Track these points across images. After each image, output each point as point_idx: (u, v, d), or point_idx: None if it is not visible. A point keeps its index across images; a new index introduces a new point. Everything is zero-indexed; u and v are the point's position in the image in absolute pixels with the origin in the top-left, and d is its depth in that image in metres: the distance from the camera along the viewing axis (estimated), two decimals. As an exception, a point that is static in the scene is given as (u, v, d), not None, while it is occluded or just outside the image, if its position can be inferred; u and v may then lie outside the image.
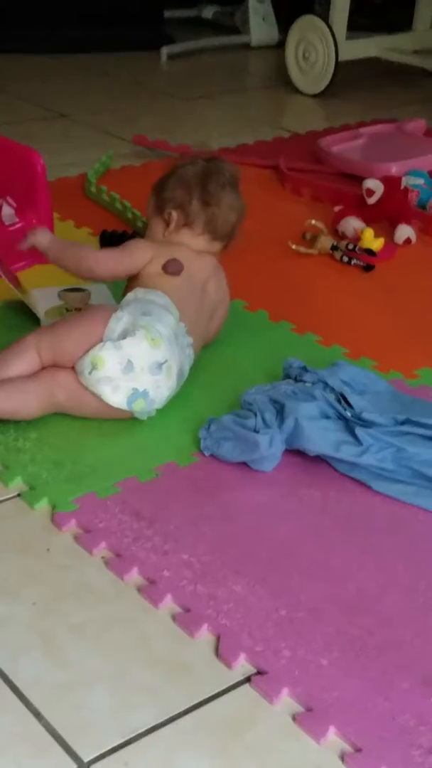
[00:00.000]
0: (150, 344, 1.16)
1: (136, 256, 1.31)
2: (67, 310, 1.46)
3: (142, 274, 1.30)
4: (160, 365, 1.17)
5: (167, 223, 1.34)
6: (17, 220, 1.62)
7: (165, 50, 3.14)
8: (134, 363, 1.15)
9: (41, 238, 1.36)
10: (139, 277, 1.30)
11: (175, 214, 1.33)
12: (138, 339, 1.16)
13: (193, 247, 1.33)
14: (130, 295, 1.26)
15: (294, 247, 1.70)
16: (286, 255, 1.70)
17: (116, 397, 1.16)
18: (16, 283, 1.46)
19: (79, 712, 0.81)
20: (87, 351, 1.16)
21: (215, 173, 1.35)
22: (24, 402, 1.17)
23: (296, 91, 2.83)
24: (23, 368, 1.19)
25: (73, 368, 1.18)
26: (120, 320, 1.19)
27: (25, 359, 1.19)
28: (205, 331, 1.32)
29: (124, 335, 1.17)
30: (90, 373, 1.15)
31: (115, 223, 1.82)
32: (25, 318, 1.43)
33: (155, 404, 1.19)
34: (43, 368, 1.20)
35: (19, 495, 1.08)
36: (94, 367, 1.15)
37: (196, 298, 1.29)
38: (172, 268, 1.28)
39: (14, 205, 1.63)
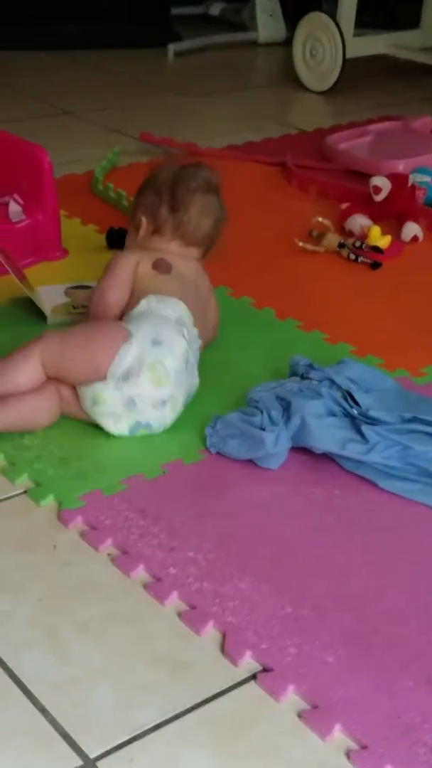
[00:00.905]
0: (154, 386, 1.14)
1: (124, 266, 1.26)
2: (74, 307, 1.46)
3: (136, 279, 1.27)
4: (164, 402, 1.15)
5: (137, 229, 1.33)
6: (24, 217, 1.62)
7: (172, 47, 3.14)
8: (137, 401, 1.14)
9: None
10: (135, 283, 1.26)
11: (144, 220, 1.32)
12: (142, 381, 1.13)
13: (168, 252, 1.30)
14: (143, 304, 1.22)
15: (301, 244, 1.70)
16: (293, 252, 1.70)
17: (118, 428, 1.16)
18: (23, 277, 1.46)
19: (84, 708, 0.82)
20: (89, 381, 1.14)
21: (187, 178, 1.31)
22: (35, 418, 1.16)
23: (303, 88, 2.82)
24: (27, 378, 1.16)
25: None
26: (128, 353, 1.14)
27: (28, 371, 1.16)
28: (205, 332, 1.30)
29: (128, 374, 1.13)
30: (92, 406, 1.15)
31: (121, 220, 1.81)
32: (32, 315, 1.43)
33: (159, 431, 1.18)
34: (48, 379, 1.17)
35: (25, 492, 1.08)
36: (95, 402, 1.14)
37: (192, 296, 1.28)
38: (162, 267, 1.27)
39: (21, 202, 1.63)
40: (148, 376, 1.14)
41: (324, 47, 2.74)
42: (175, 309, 1.22)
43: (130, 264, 1.27)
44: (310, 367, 1.23)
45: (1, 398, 1.15)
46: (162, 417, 1.17)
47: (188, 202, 1.31)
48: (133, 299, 1.25)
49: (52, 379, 1.17)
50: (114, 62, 3.05)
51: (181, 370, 1.17)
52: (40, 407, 1.16)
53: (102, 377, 1.14)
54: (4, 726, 0.80)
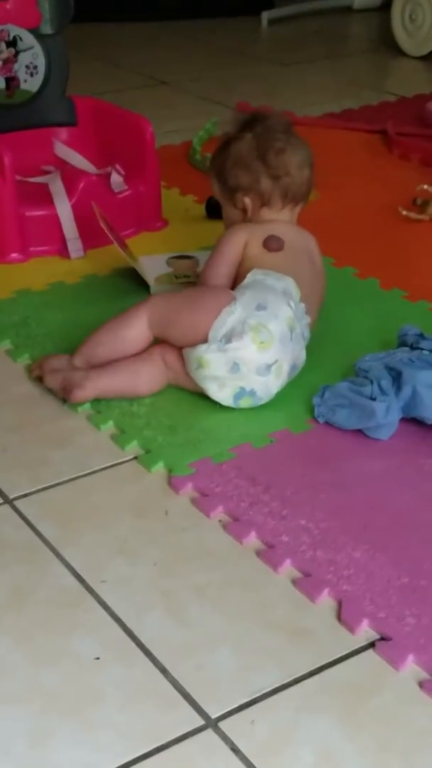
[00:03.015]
0: (258, 348, 1.12)
1: (232, 246, 1.25)
2: (176, 276, 1.46)
3: (247, 258, 1.24)
4: (269, 366, 1.13)
5: (244, 211, 1.29)
6: (126, 187, 1.63)
7: (266, 15, 3.10)
8: (241, 365, 1.12)
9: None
10: (245, 262, 1.25)
11: (248, 201, 1.28)
12: (245, 343, 1.12)
13: (280, 222, 1.28)
14: (249, 277, 1.20)
15: (404, 213, 1.66)
16: (397, 221, 1.67)
17: (222, 394, 1.15)
18: (125, 247, 1.47)
19: (204, 670, 0.83)
20: (193, 343, 1.14)
21: (269, 140, 1.27)
22: (136, 385, 1.17)
23: (401, 53, 2.76)
24: (134, 334, 1.18)
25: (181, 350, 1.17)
26: (232, 314, 1.13)
27: (136, 327, 1.18)
28: (319, 304, 1.27)
29: (230, 335, 1.12)
30: (196, 369, 1.14)
31: (220, 190, 1.81)
32: (135, 285, 1.44)
33: (262, 401, 1.17)
34: (155, 345, 1.18)
35: (135, 458, 1.10)
36: (199, 365, 1.14)
37: (308, 272, 1.25)
38: (274, 244, 1.24)
39: (123, 172, 1.64)
40: (251, 337, 1.12)
41: (425, 11, 2.67)
42: (281, 281, 1.20)
43: (240, 242, 1.25)
44: (421, 336, 1.21)
45: (105, 364, 1.17)
46: (266, 384, 1.15)
47: (286, 163, 1.27)
48: (241, 277, 1.23)
49: (160, 345, 1.19)
50: (209, 32, 3.04)
51: (285, 336, 1.15)
52: (142, 372, 1.17)
53: (204, 338, 1.14)
54: (129, 686, 0.81)
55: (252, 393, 1.15)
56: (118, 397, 1.17)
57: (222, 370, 1.13)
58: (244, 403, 1.16)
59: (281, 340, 1.14)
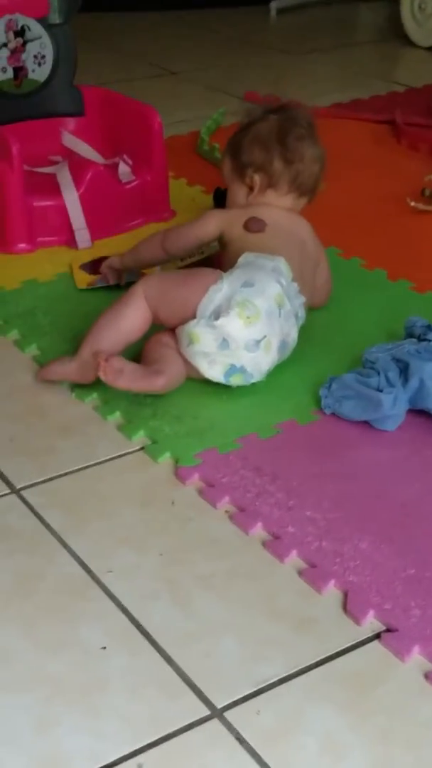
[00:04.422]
0: (244, 323, 1.12)
1: (205, 224, 1.29)
2: (182, 260, 1.46)
3: (230, 241, 1.27)
4: (257, 342, 1.14)
5: (250, 188, 1.30)
6: (133, 177, 1.63)
7: (274, 5, 3.09)
8: (229, 341, 1.13)
9: (112, 262, 1.40)
10: (227, 246, 1.27)
11: (257, 178, 1.29)
12: (230, 319, 1.12)
13: (280, 206, 1.29)
14: (241, 259, 1.22)
15: (413, 203, 1.66)
16: (405, 212, 1.66)
17: (213, 372, 1.15)
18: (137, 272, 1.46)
19: (209, 660, 0.83)
20: (182, 321, 1.15)
21: (291, 126, 1.30)
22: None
23: (410, 43, 2.75)
24: (136, 317, 1.19)
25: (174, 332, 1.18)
26: (218, 292, 1.15)
27: (137, 308, 1.19)
28: (312, 292, 1.28)
29: (218, 312, 1.14)
30: (188, 345, 1.15)
31: (228, 180, 1.81)
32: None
33: (254, 378, 1.17)
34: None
35: (142, 448, 1.10)
36: (190, 341, 1.14)
37: (298, 254, 1.25)
38: (254, 226, 1.25)
39: (130, 162, 1.64)
40: (237, 312, 1.12)
41: (434, 1, 2.66)
42: (272, 260, 1.20)
43: (214, 228, 1.29)
44: (428, 328, 1.21)
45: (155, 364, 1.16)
46: (256, 361, 1.15)
47: (302, 151, 1.29)
48: (233, 260, 1.23)
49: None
50: (217, 21, 3.02)
51: (273, 312, 1.15)
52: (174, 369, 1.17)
53: (193, 316, 1.15)
54: (134, 675, 0.82)
55: (242, 370, 1.15)
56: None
57: (211, 346, 1.14)
58: (236, 380, 1.16)
59: (268, 316, 1.14)
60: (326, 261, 1.34)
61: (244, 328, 1.13)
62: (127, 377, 1.13)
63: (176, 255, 1.36)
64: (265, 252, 1.21)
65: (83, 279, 1.45)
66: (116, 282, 1.42)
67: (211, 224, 1.30)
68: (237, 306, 1.13)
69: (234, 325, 1.12)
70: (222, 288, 1.15)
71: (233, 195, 1.35)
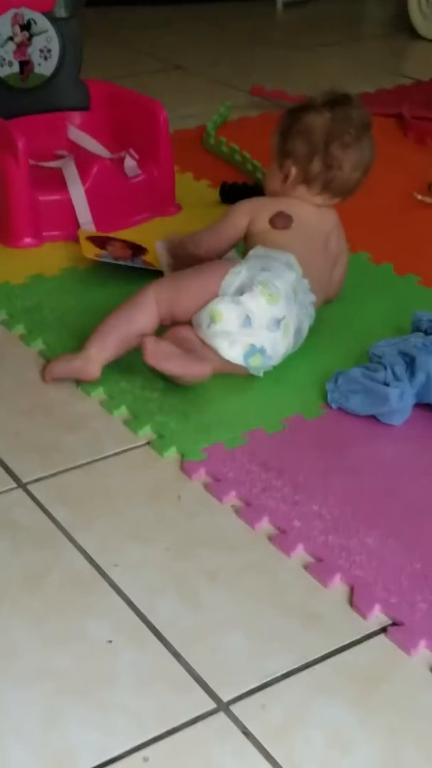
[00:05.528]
0: (267, 300, 1.14)
1: (235, 223, 1.29)
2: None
3: (252, 235, 1.27)
4: (278, 322, 1.15)
5: (285, 178, 1.30)
6: (139, 172, 1.63)
7: (280, -2, 3.09)
8: (252, 319, 1.14)
9: (173, 239, 1.41)
10: (250, 238, 1.27)
11: (294, 171, 1.28)
12: (255, 294, 1.14)
13: (310, 202, 1.29)
14: (251, 253, 1.24)
15: (420, 197, 1.66)
16: (412, 206, 1.66)
17: (233, 352, 1.15)
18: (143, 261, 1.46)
19: (216, 654, 0.83)
20: (204, 305, 1.16)
21: (341, 131, 1.27)
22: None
23: (417, 36, 2.74)
24: (144, 320, 1.19)
25: (191, 324, 1.18)
26: (238, 275, 1.17)
27: (145, 311, 1.19)
28: (328, 287, 1.29)
29: (241, 290, 1.15)
30: (208, 326, 1.15)
31: (234, 174, 1.81)
32: (150, 272, 1.44)
33: (272, 361, 1.17)
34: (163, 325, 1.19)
35: (148, 443, 1.10)
36: (212, 320, 1.14)
37: (318, 253, 1.26)
38: (280, 222, 1.25)
39: (136, 157, 1.64)
40: (260, 290, 1.14)
41: (441, -7, 2.65)
42: (283, 255, 1.21)
43: (238, 225, 1.29)
44: (435, 322, 1.21)
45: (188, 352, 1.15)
46: (275, 341, 1.15)
47: (343, 159, 1.27)
48: (246, 253, 1.25)
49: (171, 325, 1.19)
50: (223, 15, 3.02)
51: (290, 296, 1.17)
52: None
53: (213, 297, 1.15)
54: (141, 669, 0.82)
55: (262, 350, 1.15)
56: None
57: (234, 324, 1.14)
58: (254, 361, 1.16)
59: (287, 298, 1.16)
60: (346, 255, 1.35)
61: (267, 304, 1.14)
62: (175, 361, 1.12)
63: (210, 257, 1.32)
64: (283, 249, 1.22)
65: (90, 249, 1.45)
66: (122, 260, 1.42)
67: (241, 223, 1.29)
68: (260, 284, 1.15)
69: (258, 301, 1.14)
70: (241, 271, 1.17)
71: (269, 176, 1.34)
